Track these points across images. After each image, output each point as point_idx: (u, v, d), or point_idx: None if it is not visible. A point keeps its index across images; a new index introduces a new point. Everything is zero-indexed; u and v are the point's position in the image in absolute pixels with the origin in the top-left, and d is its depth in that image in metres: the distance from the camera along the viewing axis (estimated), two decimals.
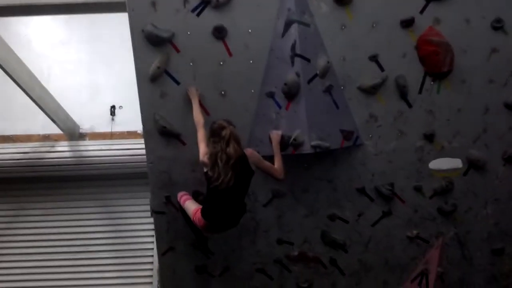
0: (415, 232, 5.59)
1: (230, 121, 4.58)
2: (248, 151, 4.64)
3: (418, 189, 5.45)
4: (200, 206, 4.71)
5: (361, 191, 5.42)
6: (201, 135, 4.67)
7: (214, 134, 4.49)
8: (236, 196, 4.59)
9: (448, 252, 5.70)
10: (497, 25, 5.05)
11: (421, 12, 5.00)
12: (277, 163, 4.81)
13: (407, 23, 5.00)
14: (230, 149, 4.37)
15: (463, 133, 5.31)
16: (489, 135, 5.33)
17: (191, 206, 4.84)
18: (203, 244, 5.41)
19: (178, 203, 5.11)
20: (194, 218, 4.69)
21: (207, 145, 4.56)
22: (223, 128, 4.45)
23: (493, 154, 5.39)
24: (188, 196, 5.04)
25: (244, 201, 4.73)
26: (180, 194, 5.11)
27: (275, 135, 4.95)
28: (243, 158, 4.51)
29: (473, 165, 5.41)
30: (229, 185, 4.41)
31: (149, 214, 5.71)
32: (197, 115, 4.78)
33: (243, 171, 4.51)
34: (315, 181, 5.36)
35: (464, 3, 5.00)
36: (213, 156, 4.43)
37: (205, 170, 4.57)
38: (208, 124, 4.67)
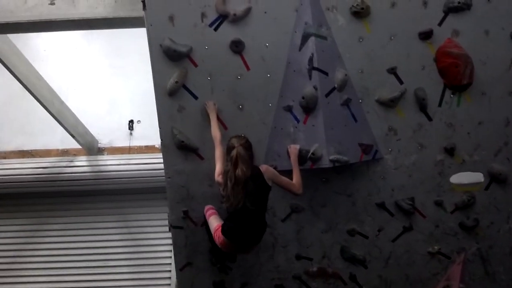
0: (436, 247, 5.50)
1: (243, 137, 4.59)
2: (263, 167, 4.59)
3: (439, 203, 5.36)
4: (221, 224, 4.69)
5: (381, 205, 5.35)
6: (218, 152, 4.68)
7: (227, 152, 4.53)
8: (254, 214, 4.53)
9: (470, 268, 5.58)
10: None
11: (440, 24, 4.95)
12: (295, 178, 4.76)
13: (426, 35, 4.95)
14: (238, 172, 4.36)
15: (484, 146, 5.23)
16: (510, 148, 5.24)
17: (214, 222, 4.82)
18: (220, 261, 5.36)
19: (204, 217, 5.09)
20: (215, 235, 4.67)
21: (223, 162, 4.58)
22: (232, 148, 4.45)
23: None
24: (213, 211, 5.00)
25: (264, 218, 4.69)
26: (206, 208, 5.10)
27: (293, 149, 4.92)
28: (256, 175, 4.47)
29: (494, 179, 5.32)
30: (238, 207, 4.39)
31: (167, 228, 5.69)
32: (215, 131, 4.79)
33: (258, 189, 4.48)
34: (334, 195, 5.31)
35: (483, 15, 4.95)
36: (225, 175, 4.46)
37: (221, 191, 4.58)
38: (226, 139, 4.67)
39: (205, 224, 5.09)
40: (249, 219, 4.51)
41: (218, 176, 4.58)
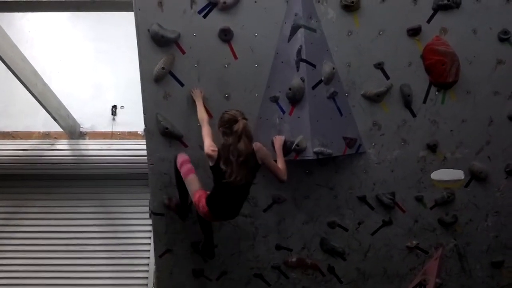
0: (414, 242, 5.57)
1: (242, 113, 4.48)
2: (257, 145, 4.54)
3: (419, 199, 5.43)
4: (203, 191, 4.64)
5: (362, 199, 5.39)
6: (206, 130, 4.59)
7: (225, 124, 4.39)
8: (244, 190, 4.59)
9: (447, 264, 5.67)
10: (504, 37, 5.03)
11: (428, 21, 4.98)
12: (281, 165, 4.76)
13: (414, 32, 4.98)
14: (241, 145, 4.27)
15: (467, 144, 5.29)
16: (492, 147, 5.31)
17: (195, 185, 4.71)
18: (209, 247, 5.32)
19: (176, 167, 4.92)
20: (197, 202, 4.60)
21: (212, 137, 4.51)
22: (235, 121, 4.34)
23: (496, 167, 5.37)
24: (190, 167, 4.84)
25: (248, 193, 4.71)
26: (180, 158, 4.93)
27: (278, 139, 4.92)
28: (252, 152, 4.46)
29: (475, 177, 5.39)
30: (241, 183, 4.39)
31: (146, 215, 5.68)
32: (202, 113, 4.75)
33: (254, 169, 4.51)
34: (316, 187, 5.34)
35: (472, 14, 4.99)
36: (225, 149, 4.32)
37: (211, 164, 4.49)
38: (211, 126, 4.64)
39: (177, 175, 4.94)
40: (238, 195, 4.54)
41: (208, 149, 4.43)
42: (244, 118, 4.41)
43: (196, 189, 4.68)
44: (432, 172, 5.37)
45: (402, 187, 5.39)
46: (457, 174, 5.40)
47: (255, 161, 4.51)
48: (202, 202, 4.55)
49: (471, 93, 5.15)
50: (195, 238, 5.38)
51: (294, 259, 5.60)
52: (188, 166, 4.84)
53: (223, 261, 5.59)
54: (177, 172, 4.92)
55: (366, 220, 5.50)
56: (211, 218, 4.67)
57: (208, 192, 4.62)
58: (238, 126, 4.31)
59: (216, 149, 4.44)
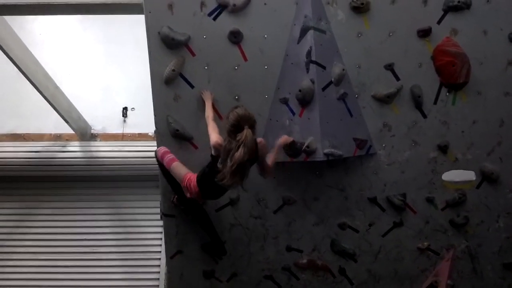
0: (426, 243, 5.55)
1: (250, 115, 4.30)
2: (261, 143, 4.48)
3: (430, 200, 5.41)
4: (191, 172, 4.63)
5: (373, 200, 5.38)
6: (211, 126, 4.59)
7: (231, 126, 4.26)
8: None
9: (459, 265, 5.64)
10: None
11: (439, 22, 4.97)
12: (270, 163, 4.68)
13: (424, 33, 4.97)
14: (238, 154, 4.15)
15: (478, 145, 5.27)
16: (503, 148, 5.29)
17: (181, 170, 4.70)
18: (218, 244, 5.32)
19: (159, 161, 4.93)
20: (188, 184, 4.58)
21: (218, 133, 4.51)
22: (241, 128, 4.21)
23: (507, 168, 5.34)
24: (172, 157, 4.85)
25: None
26: (160, 150, 4.95)
27: (284, 138, 4.90)
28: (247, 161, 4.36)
29: (486, 178, 5.36)
30: (228, 186, 4.34)
31: (158, 216, 5.70)
32: (208, 111, 4.75)
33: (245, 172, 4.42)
34: (327, 189, 5.33)
35: (482, 15, 4.97)
36: (226, 151, 4.27)
37: (213, 153, 4.46)
38: (220, 128, 4.61)
39: (162, 168, 4.95)
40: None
41: (216, 141, 4.41)
42: (251, 125, 4.26)
43: (184, 173, 4.66)
44: (443, 173, 5.35)
45: (413, 188, 5.38)
46: (468, 175, 5.38)
47: (249, 166, 4.43)
48: (193, 182, 4.54)
49: (481, 94, 5.13)
50: (206, 239, 5.39)
51: (304, 261, 5.60)
52: (170, 156, 4.85)
53: (233, 263, 5.60)
54: (161, 166, 4.94)
55: (377, 222, 5.48)
56: (200, 197, 4.65)
57: (197, 174, 4.61)
58: (241, 136, 4.18)
59: (222, 143, 4.37)
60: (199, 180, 4.55)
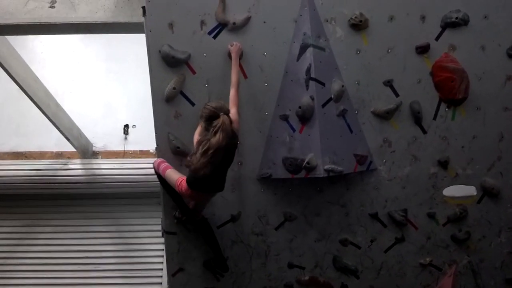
0: (428, 259, 5.53)
1: (224, 106, 4.37)
2: (237, 129, 4.48)
3: (431, 216, 5.40)
4: (183, 176, 4.57)
5: (374, 216, 5.38)
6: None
7: (206, 120, 4.30)
8: (220, 170, 4.47)
9: (461, 281, 5.61)
10: None
11: (437, 38, 5.01)
12: (233, 77, 4.64)
13: (423, 49, 5.01)
14: (215, 139, 4.16)
15: (478, 160, 5.28)
16: (503, 163, 5.30)
17: (174, 176, 4.67)
18: (221, 260, 5.30)
19: (156, 171, 4.92)
20: (180, 188, 4.55)
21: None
22: (217, 116, 4.25)
23: (508, 182, 5.36)
24: (167, 165, 4.83)
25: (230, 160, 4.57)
26: (157, 161, 4.93)
27: (235, 46, 4.77)
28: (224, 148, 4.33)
29: (487, 193, 5.37)
30: (204, 175, 4.27)
31: (159, 234, 5.68)
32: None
33: (227, 152, 4.38)
34: (328, 205, 5.33)
35: (480, 31, 5.01)
36: (198, 143, 4.30)
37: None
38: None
39: (160, 178, 4.93)
40: (214, 174, 4.40)
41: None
42: (226, 113, 4.29)
43: (177, 178, 4.63)
44: (444, 188, 5.36)
45: (414, 204, 5.38)
46: (469, 190, 5.38)
47: (227, 155, 4.40)
48: (184, 185, 4.49)
49: (481, 109, 5.16)
50: (207, 257, 5.38)
51: (306, 278, 5.57)
52: (164, 164, 4.83)
53: (235, 280, 5.57)
54: (160, 178, 4.92)
55: (379, 237, 5.47)
56: (195, 195, 4.55)
57: None
58: (218, 121, 4.22)
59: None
60: (188, 180, 4.47)
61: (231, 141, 4.34)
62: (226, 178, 4.64)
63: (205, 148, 4.21)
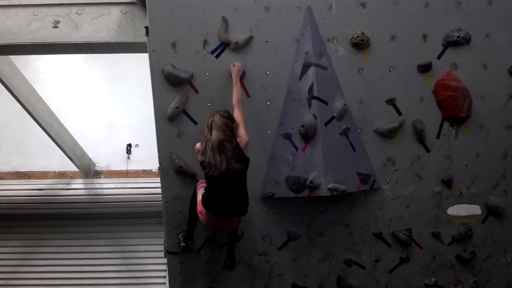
0: (433, 279, 5.47)
1: (223, 111, 4.44)
2: (243, 142, 4.50)
3: (436, 235, 5.36)
4: None
5: (378, 236, 5.34)
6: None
7: (206, 127, 4.43)
8: (234, 182, 4.46)
9: None
10: None
11: (439, 57, 5.03)
12: (234, 95, 4.69)
13: (425, 68, 5.02)
14: (212, 136, 4.28)
15: (482, 179, 5.26)
16: (508, 181, 5.28)
17: (200, 194, 4.71)
18: (188, 239, 5.17)
19: (194, 191, 4.96)
20: (199, 209, 4.62)
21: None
22: (209, 117, 4.41)
23: None
24: (203, 184, 4.80)
25: (245, 191, 4.57)
26: (200, 181, 4.95)
27: (236, 66, 4.81)
28: (235, 145, 4.40)
29: (492, 212, 5.34)
30: (221, 170, 4.30)
31: (162, 254, 5.64)
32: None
33: (236, 157, 4.38)
34: (331, 224, 5.30)
35: (482, 49, 5.03)
36: (203, 143, 4.39)
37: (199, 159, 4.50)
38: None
39: (192, 197, 4.97)
40: (230, 184, 4.43)
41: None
42: (223, 115, 4.38)
43: (200, 198, 4.67)
44: (448, 207, 5.33)
45: (418, 223, 5.34)
46: (474, 209, 5.35)
47: (240, 154, 4.43)
48: (200, 205, 4.56)
49: (484, 127, 5.16)
50: (209, 278, 5.35)
51: None
52: (202, 184, 4.83)
53: None
54: (192, 197, 4.94)
55: (383, 258, 5.43)
56: (209, 219, 4.57)
57: None
58: (209, 120, 4.36)
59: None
60: (203, 200, 4.53)
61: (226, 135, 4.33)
62: (247, 200, 4.62)
63: (210, 145, 4.30)
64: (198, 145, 4.53)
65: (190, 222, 5.04)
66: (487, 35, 5.01)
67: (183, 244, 5.15)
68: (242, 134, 4.52)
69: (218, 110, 4.52)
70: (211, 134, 4.32)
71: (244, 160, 4.47)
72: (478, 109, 5.10)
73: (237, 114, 4.60)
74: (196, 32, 4.84)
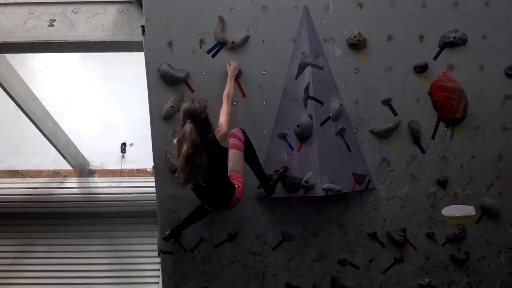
0: (427, 280, 5.48)
1: (193, 111, 4.26)
2: (218, 133, 4.46)
3: (430, 236, 5.37)
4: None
5: (373, 236, 5.35)
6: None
7: (181, 121, 4.32)
8: (210, 177, 4.37)
9: None
10: (511, 73, 5.07)
11: (435, 58, 5.03)
12: (226, 89, 4.67)
13: (421, 69, 5.02)
14: (183, 150, 4.19)
15: (477, 180, 5.27)
16: (502, 183, 5.29)
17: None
18: (174, 234, 5.20)
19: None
20: None
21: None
22: (184, 123, 4.27)
23: (507, 202, 5.35)
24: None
25: (225, 183, 4.48)
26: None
27: (232, 65, 4.80)
28: (211, 139, 4.37)
29: (486, 213, 5.35)
30: (187, 183, 4.34)
31: (155, 253, 5.64)
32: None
33: (210, 151, 4.35)
34: (326, 224, 5.30)
35: (478, 50, 5.04)
36: (177, 149, 4.30)
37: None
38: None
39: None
40: (205, 181, 4.37)
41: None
42: (194, 119, 4.24)
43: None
44: (443, 208, 5.34)
45: (413, 224, 5.35)
46: (468, 210, 5.36)
47: (215, 149, 4.40)
48: None
49: (479, 128, 5.17)
50: (203, 277, 5.37)
51: None
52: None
53: None
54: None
55: (377, 258, 5.43)
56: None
57: None
58: (182, 132, 4.25)
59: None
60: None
61: (201, 147, 4.25)
62: (228, 192, 4.51)
63: (181, 156, 4.23)
64: (175, 141, 4.44)
65: (188, 221, 5.04)
66: (483, 36, 5.02)
67: (168, 232, 5.14)
68: (221, 123, 4.51)
69: (192, 103, 4.31)
70: (182, 147, 4.22)
71: (219, 152, 4.44)
72: (474, 110, 5.11)
73: (223, 107, 4.60)
74: (192, 31, 4.83)
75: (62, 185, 7.54)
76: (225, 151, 4.50)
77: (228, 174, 4.50)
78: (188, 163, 4.22)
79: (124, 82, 7.99)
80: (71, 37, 5.30)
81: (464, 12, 4.99)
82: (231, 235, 5.27)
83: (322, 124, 4.95)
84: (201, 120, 4.29)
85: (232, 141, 4.60)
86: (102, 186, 7.55)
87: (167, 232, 5.13)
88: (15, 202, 7.46)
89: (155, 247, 5.58)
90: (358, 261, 5.43)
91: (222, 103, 4.74)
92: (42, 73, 8.18)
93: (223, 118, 4.56)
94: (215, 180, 4.44)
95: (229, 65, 4.81)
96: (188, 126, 4.23)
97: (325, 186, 4.91)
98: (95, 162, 7.90)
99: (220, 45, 4.86)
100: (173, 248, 5.32)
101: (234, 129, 4.68)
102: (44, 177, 7.71)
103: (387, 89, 5.06)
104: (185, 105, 4.34)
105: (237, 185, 4.50)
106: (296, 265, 5.42)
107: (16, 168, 7.77)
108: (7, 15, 5.29)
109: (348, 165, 5.10)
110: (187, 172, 4.25)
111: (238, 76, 4.89)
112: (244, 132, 4.71)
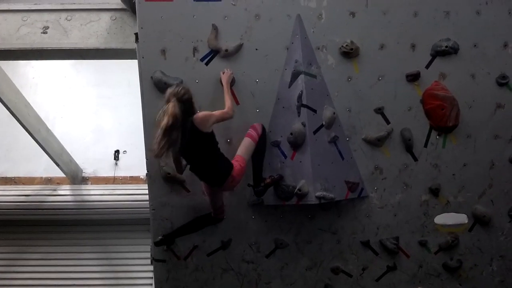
0: None
1: (178, 92, 4.37)
2: (197, 118, 4.46)
3: (423, 244, 5.38)
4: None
5: (366, 244, 5.35)
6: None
7: (165, 103, 4.39)
8: (197, 161, 4.55)
9: None
10: (502, 81, 5.11)
11: (427, 66, 5.06)
12: (226, 103, 4.67)
13: (413, 77, 5.05)
14: (163, 121, 4.26)
15: (469, 188, 5.29)
16: (494, 191, 5.31)
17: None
18: (168, 240, 5.21)
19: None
20: None
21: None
22: (167, 101, 4.34)
23: (499, 210, 5.36)
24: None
25: (215, 163, 4.56)
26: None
27: (226, 74, 4.83)
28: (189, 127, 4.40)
29: (478, 221, 5.36)
30: (159, 155, 4.35)
31: (148, 261, 5.61)
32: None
33: (190, 141, 4.41)
34: (319, 232, 5.30)
35: (470, 59, 5.08)
36: (158, 122, 4.36)
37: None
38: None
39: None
40: (192, 161, 4.58)
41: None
42: (180, 98, 4.34)
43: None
44: (435, 216, 5.35)
45: (405, 232, 5.35)
46: (461, 218, 5.38)
47: (194, 133, 4.43)
48: None
49: (471, 136, 5.19)
50: (196, 285, 5.34)
51: None
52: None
53: None
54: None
55: (370, 266, 5.43)
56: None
57: None
58: (165, 107, 4.31)
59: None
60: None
61: (181, 123, 4.32)
62: (222, 172, 4.56)
63: (160, 129, 4.29)
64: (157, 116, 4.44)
65: (182, 230, 5.06)
66: (475, 45, 5.06)
67: (160, 237, 5.13)
68: (204, 112, 4.52)
69: (177, 86, 4.44)
70: (163, 119, 4.28)
71: (199, 137, 4.44)
72: (465, 118, 5.13)
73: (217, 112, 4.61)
74: (186, 39, 4.84)
75: (54, 193, 7.51)
76: (206, 136, 4.49)
77: (234, 157, 4.65)
78: (165, 135, 4.28)
79: (117, 89, 8.00)
80: (64, 44, 5.31)
81: (456, 21, 5.03)
82: (224, 243, 5.26)
83: (315, 132, 4.96)
84: (185, 101, 4.38)
85: (250, 131, 4.82)
86: (95, 193, 7.53)
87: (159, 237, 5.12)
88: (7, 209, 7.42)
89: (148, 255, 5.56)
90: (351, 269, 5.43)
91: (216, 110, 4.77)
92: (35, 79, 8.17)
93: (213, 112, 4.54)
94: (206, 160, 4.54)
95: (223, 73, 4.83)
96: (172, 103, 4.32)
97: (318, 194, 4.91)
98: (88, 169, 7.89)
99: (214, 53, 4.87)
100: (166, 256, 5.30)
101: (256, 123, 4.89)
102: (37, 184, 7.69)
103: (380, 97, 5.08)
104: (169, 89, 4.42)
105: (236, 165, 4.58)
106: (289, 273, 5.41)
107: (8, 175, 7.74)
108: (0, 22, 5.28)
109: (341, 173, 5.10)
110: (163, 144, 4.30)
111: (231, 84, 4.90)
112: (263, 129, 4.89)
